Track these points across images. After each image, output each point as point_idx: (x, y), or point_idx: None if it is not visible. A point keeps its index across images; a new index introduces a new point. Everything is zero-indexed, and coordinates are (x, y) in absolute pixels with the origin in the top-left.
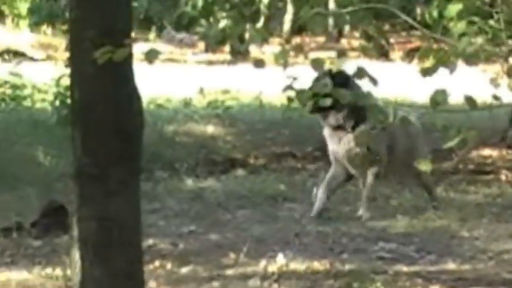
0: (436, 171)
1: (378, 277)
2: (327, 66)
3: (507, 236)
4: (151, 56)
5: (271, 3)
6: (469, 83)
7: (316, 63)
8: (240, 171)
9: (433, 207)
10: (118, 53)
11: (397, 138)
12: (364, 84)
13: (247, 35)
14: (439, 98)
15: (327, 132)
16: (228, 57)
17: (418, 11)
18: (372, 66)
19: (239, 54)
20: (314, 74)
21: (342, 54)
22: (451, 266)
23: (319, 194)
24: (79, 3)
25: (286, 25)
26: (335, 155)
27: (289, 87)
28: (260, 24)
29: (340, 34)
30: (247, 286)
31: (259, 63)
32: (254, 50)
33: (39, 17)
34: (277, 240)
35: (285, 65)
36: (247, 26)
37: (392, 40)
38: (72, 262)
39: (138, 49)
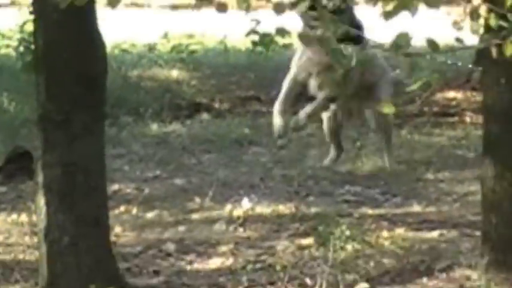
0: (400, 113)
1: (343, 220)
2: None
3: (472, 179)
4: (113, 1)
5: None
6: (432, 25)
7: (278, 8)
8: (205, 116)
9: (386, 151)
10: None
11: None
12: None
13: None
14: (401, 41)
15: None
16: (192, 1)
17: None
18: None
19: None
20: (277, 18)
21: None
22: (416, 208)
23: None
24: None
25: None
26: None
27: (253, 31)
28: None
29: None
30: (213, 230)
31: (221, 8)
32: None
33: None
34: (243, 184)
35: (248, 9)
36: None
37: None
38: (38, 208)
39: None
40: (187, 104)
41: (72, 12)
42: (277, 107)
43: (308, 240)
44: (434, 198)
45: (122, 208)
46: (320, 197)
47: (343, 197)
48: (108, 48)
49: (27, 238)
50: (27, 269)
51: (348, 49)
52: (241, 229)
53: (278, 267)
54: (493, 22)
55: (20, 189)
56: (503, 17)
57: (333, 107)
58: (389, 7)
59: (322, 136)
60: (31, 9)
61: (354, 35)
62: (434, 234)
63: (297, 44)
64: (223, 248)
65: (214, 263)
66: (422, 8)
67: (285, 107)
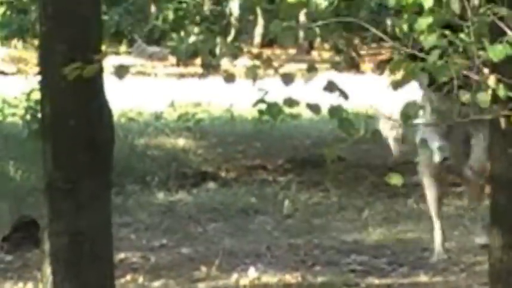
0: (407, 184)
1: None
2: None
3: (478, 248)
4: (120, 72)
5: (242, 16)
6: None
7: (286, 77)
8: (211, 184)
9: None
10: (88, 69)
11: None
12: (334, 98)
13: (217, 50)
14: (410, 111)
15: None
16: (199, 70)
17: (389, 22)
18: (343, 78)
19: (210, 68)
20: (284, 87)
21: (312, 67)
22: (423, 278)
23: None
24: (49, 17)
25: (257, 38)
26: None
27: (260, 100)
28: (231, 37)
29: (311, 46)
30: None
31: (229, 78)
32: (225, 63)
33: (9, 31)
34: (249, 253)
35: (255, 79)
36: (218, 40)
37: (362, 52)
38: (44, 277)
39: (109, 63)
40: (194, 173)
41: (79, 81)
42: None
43: None
44: (441, 268)
45: (128, 277)
46: (326, 266)
47: (349, 267)
48: (115, 117)
49: None
50: None
51: None
52: None
53: None
54: (501, 93)
55: (26, 258)
56: (511, 87)
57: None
58: (399, 76)
59: (328, 205)
60: (38, 78)
61: None
62: None
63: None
64: None
65: None
66: None
67: None
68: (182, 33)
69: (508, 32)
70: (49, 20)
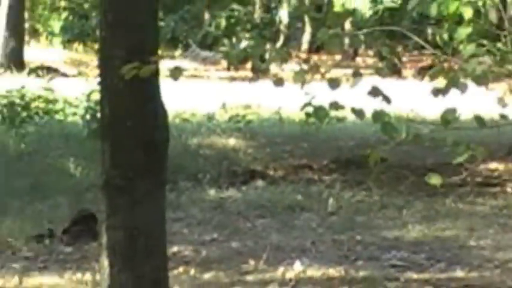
0: (446, 184)
1: (390, 284)
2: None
3: None
4: (175, 74)
5: (290, 23)
6: (477, 99)
7: (332, 82)
8: (260, 182)
9: None
10: (144, 69)
11: None
12: (378, 102)
13: (267, 55)
14: (449, 117)
15: None
16: (249, 74)
17: (429, 31)
18: (385, 83)
19: (260, 72)
20: (330, 92)
21: (357, 72)
22: (459, 274)
23: None
24: (109, 24)
25: (305, 44)
26: None
27: (308, 104)
28: (280, 43)
29: (356, 53)
30: None
31: (278, 82)
32: (274, 68)
33: (71, 35)
34: (295, 248)
35: (303, 83)
36: (268, 46)
37: (404, 59)
38: (101, 268)
39: (165, 66)
40: (243, 171)
41: (136, 83)
42: None
43: None
44: (477, 264)
45: (181, 269)
46: (368, 261)
47: (390, 262)
48: (170, 117)
49: None
50: None
51: None
52: None
53: None
54: None
55: (84, 250)
56: None
57: None
58: (440, 84)
59: (370, 203)
60: (98, 80)
61: None
62: None
63: None
64: None
65: None
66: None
67: None
68: (234, 39)
69: None
70: (109, 26)
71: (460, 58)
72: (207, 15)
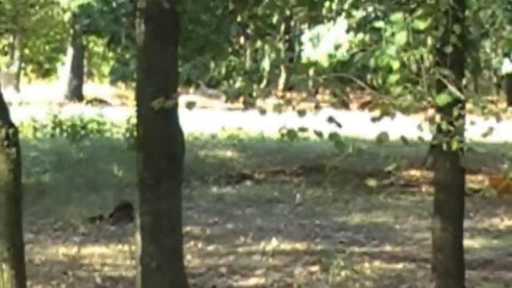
0: (379, 185)
1: (339, 255)
2: (308, 113)
3: (425, 229)
4: (189, 105)
5: (271, 70)
6: (403, 125)
7: (301, 112)
8: (248, 182)
9: None
10: (168, 102)
11: None
12: (332, 127)
13: (254, 93)
14: (382, 138)
15: None
16: (241, 106)
17: (369, 76)
18: (337, 114)
19: (249, 104)
20: (299, 119)
21: (317, 105)
22: (388, 248)
23: None
24: (143, 69)
25: (281, 85)
26: None
27: (283, 127)
28: (263, 84)
29: (317, 91)
30: (252, 259)
31: (262, 111)
32: (259, 101)
33: (116, 77)
34: (272, 229)
35: (279, 112)
36: (255, 86)
37: (351, 96)
38: (136, 242)
39: (182, 100)
40: (237, 174)
41: (162, 111)
42: None
43: (315, 268)
44: (400, 241)
45: (192, 243)
46: (324, 239)
47: (339, 239)
48: (185, 136)
49: (128, 261)
50: (128, 282)
51: None
52: (270, 259)
53: (295, 286)
54: (444, 126)
55: (124, 229)
56: (450, 123)
57: None
58: (376, 113)
59: (326, 198)
60: (134, 108)
61: None
62: (400, 266)
63: None
64: (259, 272)
65: (252, 281)
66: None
67: None
68: (231, 81)
69: (449, 85)
70: (143, 70)
71: (391, 96)
72: (212, 64)
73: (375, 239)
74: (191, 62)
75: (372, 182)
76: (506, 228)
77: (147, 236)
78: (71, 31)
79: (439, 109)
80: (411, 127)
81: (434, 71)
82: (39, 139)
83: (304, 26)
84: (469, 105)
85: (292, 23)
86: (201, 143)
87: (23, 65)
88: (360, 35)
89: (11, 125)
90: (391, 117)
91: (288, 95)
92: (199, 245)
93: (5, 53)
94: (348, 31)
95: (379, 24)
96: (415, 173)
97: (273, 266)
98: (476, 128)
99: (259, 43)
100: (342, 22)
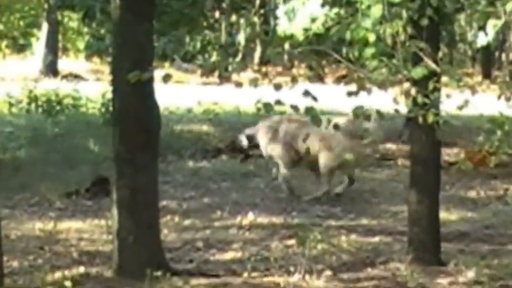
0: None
1: (315, 228)
2: (284, 87)
3: (401, 201)
4: (166, 78)
5: (247, 44)
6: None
7: (276, 86)
8: (224, 157)
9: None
10: (144, 75)
11: None
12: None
13: (230, 67)
14: (358, 111)
15: None
16: (217, 80)
17: (345, 50)
18: (313, 87)
19: (224, 78)
20: (275, 92)
21: (293, 79)
22: (364, 221)
23: None
24: (118, 44)
25: (256, 59)
26: None
27: (258, 101)
28: (239, 58)
29: (292, 65)
30: (229, 233)
31: (238, 85)
32: (235, 76)
33: (91, 51)
34: (248, 203)
35: (256, 86)
36: (230, 60)
37: (327, 70)
38: (112, 216)
39: (158, 74)
40: (213, 149)
41: (138, 86)
42: None
43: (292, 241)
44: (376, 215)
45: (168, 217)
46: (300, 212)
47: (316, 213)
48: (161, 110)
49: (104, 236)
50: (105, 256)
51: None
52: (247, 233)
53: (272, 259)
54: (419, 99)
55: (100, 203)
56: (426, 96)
57: None
58: (352, 88)
59: (303, 170)
60: (110, 83)
61: None
62: (376, 239)
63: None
64: (235, 246)
65: (229, 255)
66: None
67: None
68: (206, 55)
69: (425, 58)
70: (118, 45)
71: (366, 70)
72: (187, 38)
73: (351, 212)
74: (166, 36)
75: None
76: (481, 201)
77: (124, 211)
78: (46, 6)
79: (415, 82)
80: (387, 101)
81: (410, 44)
82: (15, 114)
83: (280, 0)
84: (444, 79)
85: None
86: (177, 118)
87: None
88: (336, 9)
89: None
90: (368, 92)
91: (264, 68)
92: (176, 219)
93: None
94: (323, 5)
95: None
96: (391, 146)
97: (249, 239)
98: (452, 101)
99: (234, 17)
100: None
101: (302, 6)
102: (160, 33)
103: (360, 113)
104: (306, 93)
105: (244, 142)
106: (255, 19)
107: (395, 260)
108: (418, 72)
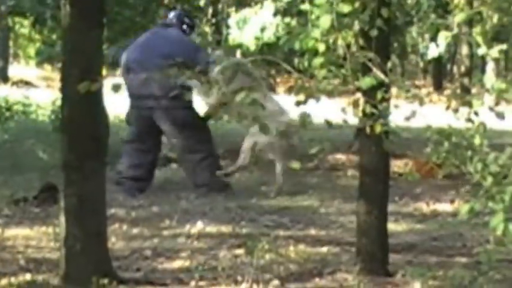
0: (303, 168)
1: (264, 238)
2: None
3: (350, 212)
4: (116, 88)
5: None
6: (328, 108)
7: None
8: (173, 165)
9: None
10: (93, 85)
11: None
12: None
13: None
14: (304, 118)
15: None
16: None
17: (296, 60)
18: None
19: None
20: None
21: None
22: (312, 231)
23: None
24: (68, 51)
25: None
26: None
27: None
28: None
29: None
30: (177, 242)
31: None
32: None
33: (42, 58)
34: (198, 212)
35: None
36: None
37: (278, 79)
38: (60, 224)
39: (109, 82)
40: (163, 157)
41: (87, 94)
42: None
43: (240, 251)
44: (325, 225)
45: (116, 225)
46: (249, 222)
47: (264, 223)
48: (111, 118)
49: (52, 243)
50: (52, 264)
51: None
52: (195, 242)
53: (220, 268)
54: (368, 110)
55: (48, 211)
56: (374, 106)
57: None
58: (301, 97)
59: (253, 180)
60: (60, 90)
61: None
62: (324, 249)
63: None
64: (183, 254)
65: (177, 264)
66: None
67: None
68: None
69: (374, 69)
70: (68, 52)
71: (316, 79)
72: None
73: (299, 222)
74: (117, 44)
75: (295, 165)
76: (430, 212)
77: (71, 218)
78: None
79: (364, 92)
80: (337, 110)
81: (360, 55)
82: None
83: (232, 9)
84: (394, 90)
85: (219, 6)
86: (125, 126)
87: None
88: (287, 19)
89: None
90: (316, 100)
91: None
92: (124, 227)
93: None
94: (275, 14)
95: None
96: (340, 156)
97: (198, 248)
98: (401, 112)
99: None
100: (269, 5)
101: (254, 16)
102: (111, 41)
103: (306, 120)
104: (253, 102)
105: None
106: (207, 28)
107: (343, 271)
108: (366, 82)
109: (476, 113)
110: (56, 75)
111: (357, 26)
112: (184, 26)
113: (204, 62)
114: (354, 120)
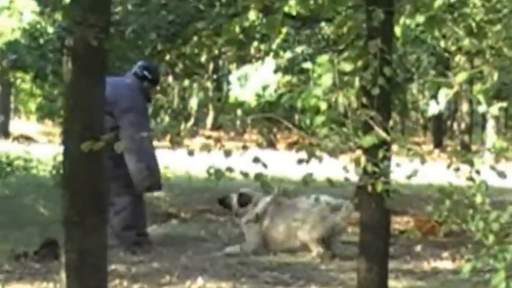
0: None
1: None
2: (235, 153)
3: (351, 269)
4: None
5: (199, 109)
6: (330, 166)
7: (227, 152)
8: (174, 221)
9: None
10: (96, 145)
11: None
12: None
13: (182, 132)
14: (307, 179)
15: None
16: (168, 144)
17: (296, 117)
18: (264, 153)
19: (176, 143)
20: (225, 159)
21: (244, 146)
22: None
23: None
24: (69, 107)
25: (208, 124)
26: None
27: (210, 167)
28: (191, 123)
29: (244, 131)
30: None
31: (190, 153)
32: (186, 141)
33: (43, 114)
34: (198, 268)
35: (209, 152)
36: (182, 124)
37: (278, 136)
38: (60, 280)
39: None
40: (163, 213)
41: (87, 151)
42: None
43: None
44: (326, 282)
45: (117, 281)
46: (249, 278)
47: (264, 279)
48: None
49: None
50: None
51: None
52: None
53: None
54: (369, 168)
55: (49, 266)
56: (375, 164)
57: None
58: (303, 156)
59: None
60: (61, 146)
61: None
62: None
63: None
64: None
65: None
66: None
67: None
68: (158, 119)
69: (375, 127)
70: (69, 108)
71: (317, 137)
72: None
73: (300, 279)
74: None
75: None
76: (430, 270)
77: (72, 274)
78: None
79: (365, 151)
80: (338, 168)
81: (361, 113)
82: None
83: (232, 66)
84: (395, 147)
85: (220, 63)
86: None
87: None
88: (288, 76)
89: None
90: (319, 159)
91: (216, 134)
92: (125, 283)
93: None
94: (276, 71)
95: (307, 65)
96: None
97: None
98: (402, 170)
99: (187, 82)
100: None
101: (255, 72)
102: None
103: (309, 180)
104: (256, 159)
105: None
106: (208, 84)
107: None
108: (368, 140)
109: (478, 172)
110: (57, 130)
111: (358, 84)
112: (141, 77)
113: (131, 115)
114: (355, 178)
